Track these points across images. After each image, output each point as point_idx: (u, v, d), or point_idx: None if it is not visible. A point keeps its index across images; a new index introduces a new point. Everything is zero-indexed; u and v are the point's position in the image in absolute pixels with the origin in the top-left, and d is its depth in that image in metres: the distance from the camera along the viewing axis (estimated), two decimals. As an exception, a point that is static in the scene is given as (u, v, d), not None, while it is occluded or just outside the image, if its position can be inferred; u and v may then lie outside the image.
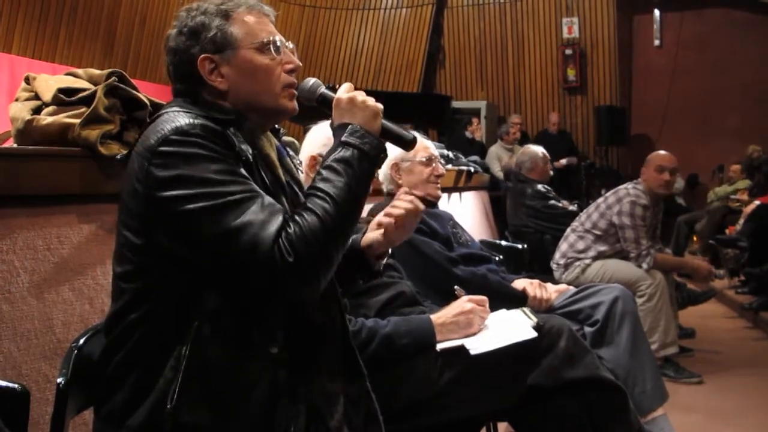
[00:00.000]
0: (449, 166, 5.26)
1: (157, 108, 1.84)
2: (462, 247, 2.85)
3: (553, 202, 5.20)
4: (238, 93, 1.43)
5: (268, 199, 1.30)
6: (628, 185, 4.36)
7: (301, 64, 1.51)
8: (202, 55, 1.42)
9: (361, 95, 1.45)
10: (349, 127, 1.40)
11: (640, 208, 4.16)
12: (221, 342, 1.29)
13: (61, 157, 1.81)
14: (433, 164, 2.81)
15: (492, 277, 2.77)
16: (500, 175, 7.40)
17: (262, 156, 1.44)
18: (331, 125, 1.46)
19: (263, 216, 1.25)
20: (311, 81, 1.53)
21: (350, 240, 1.62)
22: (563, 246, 4.41)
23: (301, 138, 2.40)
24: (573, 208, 5.28)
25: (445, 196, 4.81)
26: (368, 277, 1.81)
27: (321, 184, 1.33)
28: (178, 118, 1.32)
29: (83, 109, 1.88)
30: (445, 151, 5.60)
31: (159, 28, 8.70)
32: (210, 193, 1.24)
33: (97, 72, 2.04)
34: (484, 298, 2.11)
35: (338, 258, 1.32)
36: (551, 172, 5.48)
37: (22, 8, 7.31)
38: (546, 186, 5.32)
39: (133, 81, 2.02)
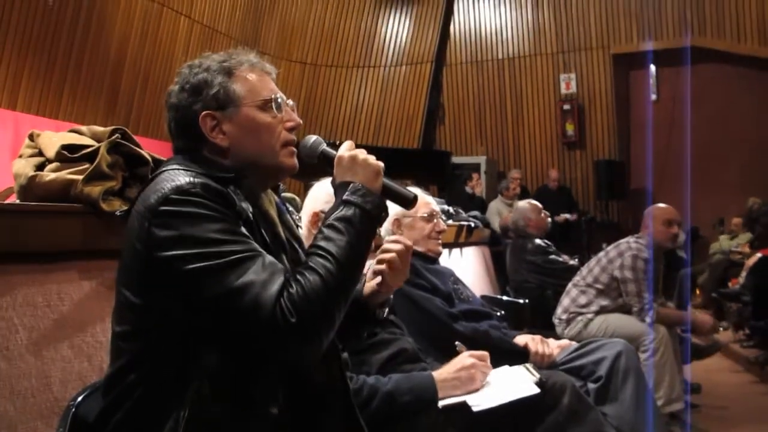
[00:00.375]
0: (450, 222, 5.28)
1: (158, 164, 1.86)
2: (463, 303, 2.85)
3: (553, 256, 5.20)
4: (239, 150, 1.44)
5: (269, 258, 1.29)
6: (630, 239, 4.36)
7: (301, 121, 1.52)
8: (204, 112, 1.43)
9: (362, 154, 1.45)
10: (351, 185, 1.40)
11: (641, 261, 4.16)
12: (221, 402, 1.27)
13: (64, 213, 1.82)
14: (435, 220, 2.82)
15: (494, 333, 2.76)
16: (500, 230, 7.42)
17: (262, 213, 1.44)
18: (333, 183, 1.47)
19: (264, 276, 1.24)
20: (312, 138, 1.55)
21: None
22: (565, 301, 4.39)
23: (302, 194, 2.42)
24: (574, 262, 5.28)
25: (445, 251, 4.81)
26: (372, 326, 1.80)
27: (323, 243, 1.32)
28: (178, 176, 1.33)
29: (86, 166, 1.90)
30: (446, 207, 5.62)
31: (162, 85, 8.83)
32: (211, 253, 1.24)
33: (100, 129, 2.07)
34: (485, 353, 2.10)
35: (340, 317, 1.31)
36: (549, 221, 5.50)
37: (27, 65, 7.43)
38: (546, 241, 5.32)
39: (135, 138, 2.04)
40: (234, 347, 1.27)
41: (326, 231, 1.34)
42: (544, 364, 2.67)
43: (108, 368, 1.38)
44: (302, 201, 2.38)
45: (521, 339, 2.78)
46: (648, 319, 4.09)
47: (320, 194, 2.21)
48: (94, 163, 1.88)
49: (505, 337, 2.80)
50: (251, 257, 1.26)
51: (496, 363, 2.12)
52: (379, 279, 1.66)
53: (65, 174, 1.89)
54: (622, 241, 4.40)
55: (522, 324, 3.93)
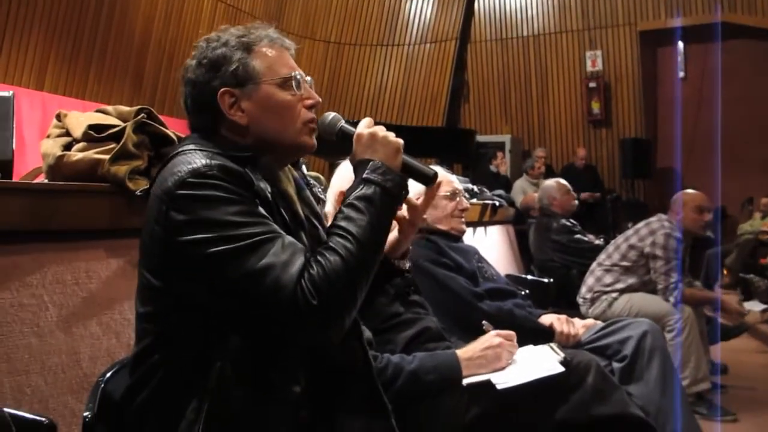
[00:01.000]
0: (474, 201, 5.25)
1: (184, 144, 1.87)
2: (488, 281, 2.84)
3: (578, 236, 5.17)
4: (258, 128, 1.42)
5: (288, 238, 1.28)
6: (662, 217, 4.32)
7: (320, 99, 1.50)
8: (222, 89, 1.40)
9: (382, 130, 1.44)
10: (371, 163, 1.39)
11: (673, 240, 4.12)
12: (243, 382, 1.28)
13: (91, 192, 1.84)
14: (457, 198, 2.81)
15: (518, 312, 2.75)
16: (526, 209, 7.38)
17: (280, 192, 1.43)
18: (351, 160, 1.46)
19: (284, 257, 1.24)
20: (330, 116, 1.53)
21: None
22: (589, 280, 4.37)
23: (326, 173, 2.41)
24: (599, 242, 5.23)
25: (470, 230, 4.80)
26: (397, 277, 1.81)
27: (343, 223, 1.31)
28: (194, 158, 1.31)
29: (112, 146, 1.91)
30: (470, 186, 5.59)
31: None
32: (230, 236, 1.23)
33: (126, 109, 2.08)
34: (513, 332, 2.09)
35: (362, 296, 1.31)
36: (575, 202, 5.45)
37: (54, 47, 7.50)
38: (571, 220, 5.29)
39: (160, 117, 2.05)
40: (255, 329, 1.27)
41: (346, 210, 1.33)
42: (569, 343, 2.66)
43: (133, 347, 1.40)
44: (327, 180, 2.38)
45: (546, 318, 2.77)
46: (673, 299, 4.05)
47: (346, 173, 2.20)
48: (121, 143, 1.90)
49: (529, 316, 2.79)
50: (271, 239, 1.26)
51: (521, 342, 2.11)
52: (397, 229, 1.65)
53: (92, 153, 1.91)
54: (652, 219, 4.36)
55: (546, 303, 3.91)
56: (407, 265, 1.75)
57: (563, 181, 5.48)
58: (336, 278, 1.24)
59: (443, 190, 2.76)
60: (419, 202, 1.67)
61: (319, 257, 1.26)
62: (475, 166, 9.08)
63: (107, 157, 1.87)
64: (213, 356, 1.27)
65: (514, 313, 2.72)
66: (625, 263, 4.23)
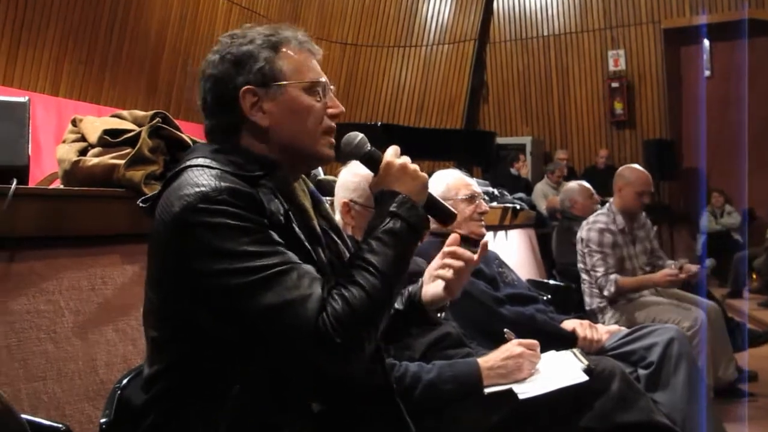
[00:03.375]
0: (494, 204, 5.24)
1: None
2: (508, 286, 2.83)
3: (601, 239, 5.13)
4: (278, 132, 1.39)
5: (304, 268, 1.25)
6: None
7: (344, 109, 1.48)
8: (245, 87, 1.37)
9: (412, 164, 1.41)
10: (399, 197, 1.36)
11: (595, 233, 4.20)
12: (260, 403, 1.27)
13: (106, 197, 1.86)
14: (476, 201, 2.80)
15: (540, 318, 2.74)
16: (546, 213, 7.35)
17: (296, 207, 1.40)
18: (374, 186, 1.42)
19: (302, 291, 1.21)
20: (358, 137, 1.47)
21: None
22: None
23: (336, 172, 2.39)
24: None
25: (490, 234, 4.78)
26: (426, 326, 1.79)
27: (369, 256, 1.29)
28: (202, 178, 1.27)
29: (128, 150, 1.93)
30: (490, 189, 5.58)
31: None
32: (245, 268, 1.20)
33: (141, 113, 2.10)
34: (535, 341, 2.08)
35: (382, 329, 1.29)
36: (598, 206, 5.42)
37: (69, 52, 7.58)
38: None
39: (175, 121, 2.07)
40: (273, 361, 1.26)
41: (373, 243, 1.31)
42: (592, 349, 2.65)
43: (145, 367, 1.39)
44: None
45: (569, 324, 2.76)
46: (606, 292, 4.08)
47: (349, 182, 2.18)
48: (136, 148, 1.91)
49: (551, 321, 2.78)
50: (286, 271, 1.22)
51: (542, 348, 2.10)
52: (441, 285, 1.59)
53: (107, 159, 1.92)
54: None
55: (569, 309, 3.89)
56: (442, 317, 1.73)
57: (586, 184, 5.45)
58: (361, 314, 1.22)
59: (462, 193, 2.75)
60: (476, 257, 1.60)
61: (343, 291, 1.23)
62: (495, 168, 9.04)
63: (123, 162, 1.89)
64: (228, 381, 1.26)
65: (535, 318, 2.71)
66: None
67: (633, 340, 2.75)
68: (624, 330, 2.84)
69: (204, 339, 1.26)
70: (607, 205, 4.44)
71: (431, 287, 1.62)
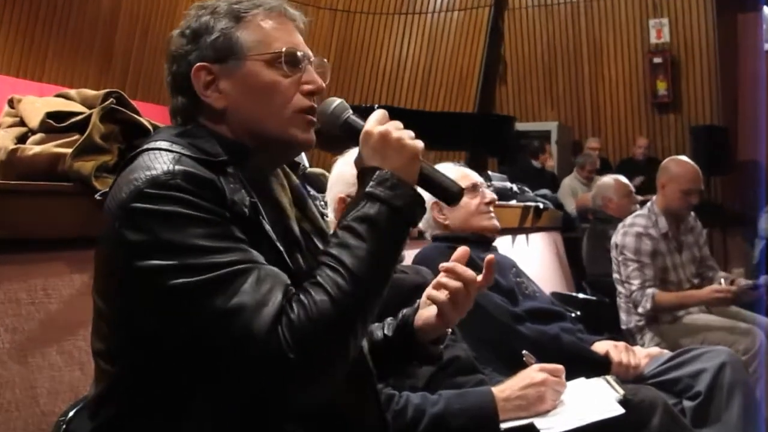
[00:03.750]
0: (513, 202, 5.24)
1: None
2: (528, 299, 2.83)
3: (641, 245, 5.14)
4: (236, 115, 1.40)
5: (267, 269, 1.24)
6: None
7: (324, 85, 1.47)
8: (198, 63, 1.39)
9: (397, 130, 1.37)
10: (378, 173, 1.32)
11: (631, 238, 4.23)
12: (225, 428, 1.27)
13: (50, 193, 1.85)
14: (479, 191, 2.81)
15: (566, 338, 2.74)
16: (575, 212, 7.35)
17: (270, 203, 1.41)
18: (357, 164, 1.39)
19: (258, 296, 1.20)
20: (334, 103, 1.46)
21: (379, 321, 1.59)
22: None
23: (330, 163, 2.39)
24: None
25: (508, 238, 4.79)
26: (421, 364, 1.75)
27: (336, 251, 1.26)
28: (156, 161, 1.28)
29: (76, 137, 1.93)
30: (508, 184, 5.59)
31: (164, 41, 8.88)
32: (195, 265, 1.20)
33: (91, 93, 2.09)
34: (560, 367, 2.08)
35: (357, 345, 1.27)
36: (637, 206, 5.43)
37: (4, 20, 7.57)
38: (633, 225, 5.26)
39: (133, 103, 2.07)
40: (226, 382, 1.24)
41: (342, 234, 1.28)
42: (629, 376, 2.65)
43: (92, 387, 1.39)
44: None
45: (601, 346, 2.76)
46: (641, 309, 4.08)
47: (346, 174, 2.17)
48: (85, 134, 1.91)
49: (580, 343, 2.78)
50: (244, 271, 1.22)
51: (570, 375, 2.11)
52: (435, 310, 1.55)
53: (51, 147, 1.92)
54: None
55: (602, 328, 3.89)
56: (439, 352, 1.66)
57: (623, 180, 5.45)
58: (322, 325, 1.19)
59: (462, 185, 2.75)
60: (480, 278, 1.54)
61: (302, 296, 1.21)
62: (514, 160, 9.05)
63: (69, 150, 1.89)
64: (185, 409, 1.26)
65: (560, 339, 2.71)
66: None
67: (677, 366, 2.76)
68: (667, 354, 2.85)
69: (156, 352, 1.26)
70: (648, 204, 4.44)
71: (425, 311, 1.59)
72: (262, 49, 1.41)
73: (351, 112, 1.46)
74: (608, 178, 5.52)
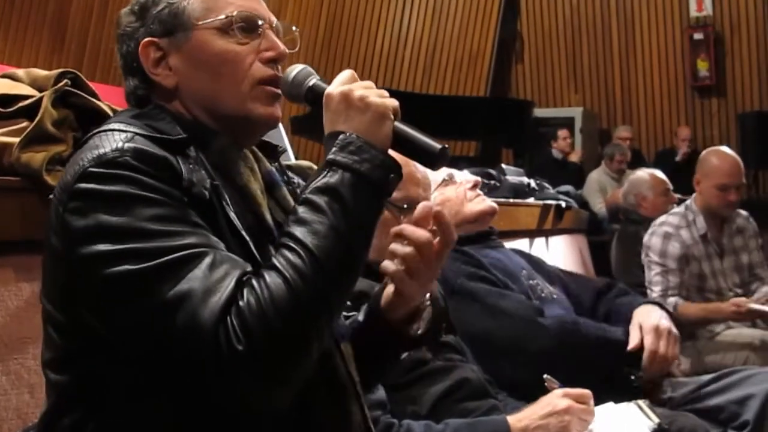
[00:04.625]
0: (531, 200, 5.24)
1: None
2: (546, 304, 2.81)
3: (679, 250, 5.15)
4: (190, 92, 1.43)
5: (222, 255, 1.25)
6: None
7: (286, 50, 1.48)
8: (144, 40, 1.43)
9: (360, 88, 1.36)
10: (340, 137, 1.31)
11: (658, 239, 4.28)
12: None
13: (-6, 189, 1.85)
14: (456, 180, 2.80)
15: (586, 326, 2.71)
16: (604, 212, 7.36)
17: (237, 189, 1.42)
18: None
19: (209, 283, 1.20)
20: (296, 69, 1.45)
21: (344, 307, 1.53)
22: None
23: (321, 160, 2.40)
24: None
25: (525, 241, 4.79)
26: (402, 352, 1.68)
27: (294, 228, 1.25)
28: (107, 140, 1.30)
29: (24, 124, 1.93)
30: (525, 179, 5.59)
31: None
32: (140, 250, 1.21)
33: (42, 73, 2.09)
34: (587, 392, 2.08)
35: (320, 338, 1.26)
36: (674, 206, 5.43)
37: (-58, -12, 7.58)
38: (669, 227, 5.27)
39: (91, 85, 2.07)
40: (179, 384, 1.24)
41: (300, 210, 1.27)
42: (663, 368, 2.62)
43: (43, 405, 1.40)
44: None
45: (634, 334, 2.69)
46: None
47: None
48: (35, 121, 1.91)
49: (604, 327, 2.74)
50: (196, 255, 1.22)
51: (594, 390, 2.11)
52: (391, 286, 1.50)
53: (-4, 135, 1.92)
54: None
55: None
56: (419, 330, 1.61)
57: (661, 175, 5.44)
58: (274, 313, 1.18)
59: (438, 180, 2.73)
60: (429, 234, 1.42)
61: (255, 281, 1.21)
62: (533, 151, 9.07)
63: (17, 139, 1.89)
64: (145, 411, 1.27)
65: (579, 327, 2.68)
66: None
67: (720, 390, 2.76)
68: (705, 378, 2.85)
69: (107, 354, 1.27)
70: (687, 202, 4.43)
71: (388, 288, 1.54)
72: (212, 15, 1.42)
73: (317, 77, 1.45)
74: (643, 173, 5.51)
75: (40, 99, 1.96)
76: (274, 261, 1.23)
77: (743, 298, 3.98)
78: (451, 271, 2.59)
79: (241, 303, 1.18)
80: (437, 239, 1.41)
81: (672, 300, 4.05)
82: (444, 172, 2.80)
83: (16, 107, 1.97)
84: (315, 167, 2.87)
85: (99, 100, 2.05)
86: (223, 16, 1.42)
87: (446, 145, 1.39)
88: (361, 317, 1.59)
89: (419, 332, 1.57)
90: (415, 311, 1.55)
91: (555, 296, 2.92)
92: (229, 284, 1.20)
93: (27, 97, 1.99)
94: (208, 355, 1.17)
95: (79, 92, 2.00)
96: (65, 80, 2.01)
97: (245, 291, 1.20)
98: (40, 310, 1.49)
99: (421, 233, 1.39)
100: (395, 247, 1.42)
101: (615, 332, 2.72)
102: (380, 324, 1.54)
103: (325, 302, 1.24)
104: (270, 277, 1.20)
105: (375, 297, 1.57)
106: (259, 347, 1.17)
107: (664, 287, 4.10)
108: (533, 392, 2.11)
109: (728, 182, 4.27)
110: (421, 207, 1.42)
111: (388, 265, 1.43)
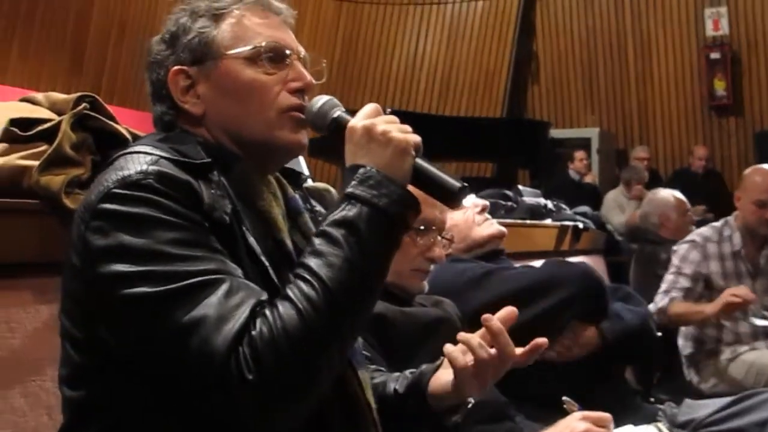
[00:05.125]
0: (548, 221, 5.24)
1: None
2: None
3: (698, 271, 5.12)
4: (216, 120, 1.46)
5: (239, 282, 1.27)
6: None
7: (313, 81, 1.51)
8: (174, 68, 1.46)
9: (384, 123, 1.38)
10: (361, 171, 1.33)
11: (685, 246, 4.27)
12: None
13: (13, 212, 1.86)
14: (463, 204, 2.80)
15: (630, 315, 2.76)
16: (622, 228, 7.33)
17: (258, 214, 1.43)
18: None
19: (224, 310, 1.22)
20: (321, 100, 1.48)
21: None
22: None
23: (339, 183, 2.40)
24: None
25: (541, 263, 4.78)
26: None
27: (309, 260, 1.27)
28: (132, 162, 1.33)
29: (43, 148, 1.94)
30: (542, 201, 5.58)
31: (143, 38, 8.91)
32: (158, 273, 1.23)
33: (61, 97, 2.11)
34: (607, 416, 2.07)
35: (332, 370, 1.28)
36: (693, 227, 5.41)
37: (-38, 13, 7.64)
38: (688, 248, 5.24)
39: (109, 108, 2.08)
40: (188, 403, 1.26)
41: (316, 242, 1.29)
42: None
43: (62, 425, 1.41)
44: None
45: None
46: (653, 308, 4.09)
47: None
48: (54, 144, 1.92)
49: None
50: (213, 282, 1.24)
51: (613, 412, 2.09)
52: (451, 375, 1.52)
53: (15, 159, 1.94)
54: None
55: (653, 365, 3.88)
56: (458, 420, 1.61)
57: (681, 196, 5.42)
58: (286, 343, 1.20)
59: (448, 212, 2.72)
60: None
61: (268, 311, 1.23)
62: (549, 172, 9.05)
63: (36, 163, 1.90)
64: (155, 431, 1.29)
65: (623, 319, 2.73)
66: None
67: (740, 413, 2.74)
68: (724, 400, 2.83)
69: (122, 372, 1.29)
70: (728, 218, 4.37)
71: (444, 373, 1.56)
72: (241, 45, 1.46)
73: (342, 109, 1.48)
74: (667, 194, 5.46)
75: (59, 122, 1.97)
76: (288, 292, 1.25)
77: (744, 288, 3.94)
78: (458, 273, 2.62)
79: (253, 332, 1.20)
80: (519, 351, 1.47)
81: (671, 295, 4.05)
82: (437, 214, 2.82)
83: (35, 131, 1.99)
84: (332, 189, 2.88)
85: (117, 123, 2.06)
86: (251, 47, 1.46)
87: (466, 184, 1.41)
88: (399, 388, 1.62)
89: (456, 422, 1.61)
90: (458, 407, 1.59)
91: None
92: (244, 312, 1.22)
93: (46, 120, 2.01)
94: (217, 382, 1.19)
95: (97, 116, 2.02)
96: (84, 104, 2.02)
97: (258, 320, 1.22)
98: (58, 331, 1.50)
99: (513, 350, 1.46)
100: (475, 343, 1.46)
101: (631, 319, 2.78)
102: (417, 404, 1.58)
103: (337, 333, 1.26)
104: (283, 308, 1.23)
105: (423, 375, 1.60)
106: (269, 377, 1.20)
107: (669, 286, 4.10)
108: (551, 412, 2.09)
109: (766, 198, 4.21)
110: (508, 311, 1.49)
111: (459, 357, 1.48)
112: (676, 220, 5.26)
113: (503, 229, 2.87)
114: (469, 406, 1.60)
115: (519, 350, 1.48)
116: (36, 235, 1.88)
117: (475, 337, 1.48)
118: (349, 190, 1.32)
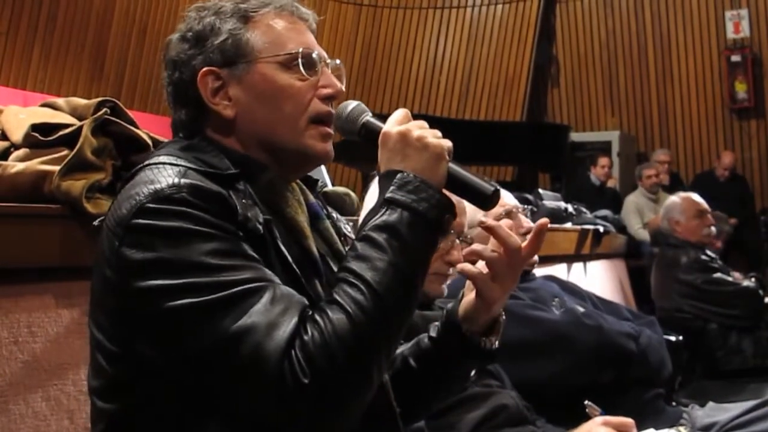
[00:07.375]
0: (568, 225, 5.23)
1: (162, 149, 1.89)
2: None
3: (719, 275, 5.08)
4: (248, 123, 1.46)
5: (282, 289, 1.28)
6: None
7: (343, 88, 1.51)
8: (204, 68, 1.45)
9: (417, 128, 1.40)
10: (398, 176, 1.35)
11: None
12: None
13: (34, 216, 1.87)
14: (516, 217, 2.80)
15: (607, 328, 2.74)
16: (642, 235, 7.30)
17: (285, 221, 1.44)
18: (378, 172, 1.43)
19: (272, 316, 1.23)
20: (350, 105, 1.51)
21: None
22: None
23: (359, 188, 2.41)
24: (749, 283, 5.14)
25: (563, 266, 4.77)
26: (478, 364, 1.70)
27: (354, 264, 1.29)
28: (160, 175, 1.33)
29: (64, 153, 1.94)
30: (562, 204, 5.57)
31: (163, 43, 8.93)
32: (200, 284, 1.24)
33: (82, 102, 2.12)
34: (629, 421, 2.06)
35: (380, 374, 1.29)
36: (712, 229, 5.37)
37: (-16, 20, 7.68)
38: (708, 252, 5.20)
39: (130, 113, 2.09)
40: (234, 414, 1.27)
41: (360, 246, 1.31)
42: None
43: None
44: (360, 199, 2.37)
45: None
46: None
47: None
48: (75, 149, 1.93)
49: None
50: (256, 290, 1.25)
51: (635, 417, 2.09)
52: (473, 292, 1.54)
53: (36, 164, 1.94)
54: None
55: (675, 371, 3.85)
56: (495, 344, 1.61)
57: (694, 197, 5.39)
58: (339, 347, 1.21)
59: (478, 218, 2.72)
60: (524, 241, 1.52)
61: (317, 316, 1.24)
62: (570, 175, 9.03)
63: (57, 168, 1.91)
64: None
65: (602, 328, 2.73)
66: None
67: (765, 416, 2.72)
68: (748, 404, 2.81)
69: (159, 385, 1.29)
70: None
71: (466, 298, 1.57)
72: (275, 50, 1.46)
73: (370, 114, 1.50)
74: (674, 197, 5.46)
75: (80, 127, 1.98)
76: (335, 296, 1.26)
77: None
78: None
79: (305, 337, 1.21)
80: (524, 244, 1.50)
81: None
82: (508, 203, 2.80)
83: (56, 136, 1.99)
84: (351, 193, 2.88)
85: (137, 128, 2.07)
86: (286, 52, 1.46)
87: (498, 187, 1.44)
88: (433, 334, 1.62)
89: (495, 346, 1.61)
90: (493, 322, 1.59)
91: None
92: (293, 318, 1.23)
93: (67, 125, 2.01)
94: (272, 388, 1.20)
95: (118, 120, 2.02)
96: (104, 109, 2.03)
97: (308, 325, 1.23)
98: (80, 336, 1.50)
99: (515, 238, 1.47)
100: (480, 248, 1.50)
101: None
102: (454, 338, 1.58)
103: (385, 336, 1.28)
104: (332, 312, 1.24)
105: (451, 311, 1.60)
106: (325, 381, 1.20)
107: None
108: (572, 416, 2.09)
109: None
110: (541, 221, 1.53)
111: (471, 267, 1.52)
112: (686, 222, 5.23)
113: (536, 259, 2.84)
114: (502, 319, 1.60)
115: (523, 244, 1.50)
116: (57, 240, 1.89)
117: (480, 245, 1.52)
118: (389, 195, 1.34)
